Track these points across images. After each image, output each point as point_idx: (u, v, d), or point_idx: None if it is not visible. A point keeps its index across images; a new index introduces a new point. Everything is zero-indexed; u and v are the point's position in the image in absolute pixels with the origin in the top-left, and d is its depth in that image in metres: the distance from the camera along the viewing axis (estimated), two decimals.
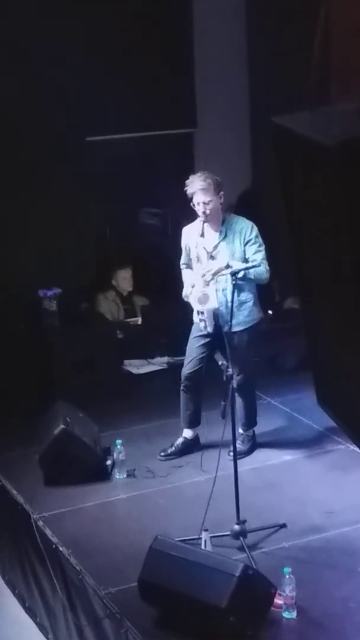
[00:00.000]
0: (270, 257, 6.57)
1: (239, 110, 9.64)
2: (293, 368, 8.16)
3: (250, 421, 6.84)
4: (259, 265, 6.37)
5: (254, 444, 6.90)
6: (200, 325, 6.54)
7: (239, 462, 5.90)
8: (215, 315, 6.49)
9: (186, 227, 6.62)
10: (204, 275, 6.41)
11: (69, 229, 8.94)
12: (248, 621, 4.88)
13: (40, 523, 6.09)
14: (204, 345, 6.66)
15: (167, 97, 9.21)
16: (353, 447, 6.49)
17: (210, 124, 9.54)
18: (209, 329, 6.54)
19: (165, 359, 8.47)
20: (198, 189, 6.36)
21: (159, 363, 8.51)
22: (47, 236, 8.77)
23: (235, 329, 6.39)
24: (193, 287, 6.45)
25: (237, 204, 9.65)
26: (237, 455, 5.94)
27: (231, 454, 6.01)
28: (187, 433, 6.92)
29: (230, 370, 5.79)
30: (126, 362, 8.61)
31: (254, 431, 6.93)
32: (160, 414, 7.40)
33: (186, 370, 6.77)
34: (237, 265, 6.32)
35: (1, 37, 8.42)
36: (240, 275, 6.22)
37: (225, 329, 6.30)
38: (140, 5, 8.99)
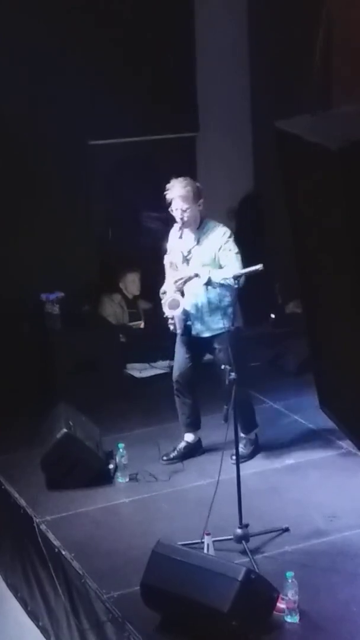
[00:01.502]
0: (273, 260, 6.57)
1: (240, 114, 9.65)
2: (295, 371, 8.16)
3: (248, 424, 6.82)
4: (229, 275, 6.29)
5: (257, 448, 6.89)
6: (170, 327, 6.61)
7: (241, 465, 5.89)
8: (187, 319, 6.56)
9: (173, 229, 6.64)
10: (176, 281, 6.45)
11: (71, 232, 8.96)
12: (250, 625, 4.87)
13: (43, 527, 6.09)
14: (189, 347, 6.70)
15: (169, 101, 9.21)
16: (355, 451, 6.48)
17: (213, 127, 9.55)
18: (179, 331, 6.62)
19: (168, 362, 8.43)
20: (177, 196, 6.39)
21: (161, 367, 8.50)
22: (50, 239, 8.78)
23: (205, 334, 6.56)
24: (164, 293, 6.49)
25: (239, 207, 9.66)
26: (239, 459, 5.93)
27: (234, 457, 6.01)
28: (189, 437, 6.92)
29: (233, 373, 5.79)
30: (128, 365, 8.61)
31: (256, 435, 6.92)
32: (163, 418, 7.39)
33: (174, 373, 6.82)
34: (206, 274, 6.35)
35: (2, 42, 8.43)
36: (205, 281, 6.32)
37: (194, 333, 6.53)
38: (142, 10, 8.99)
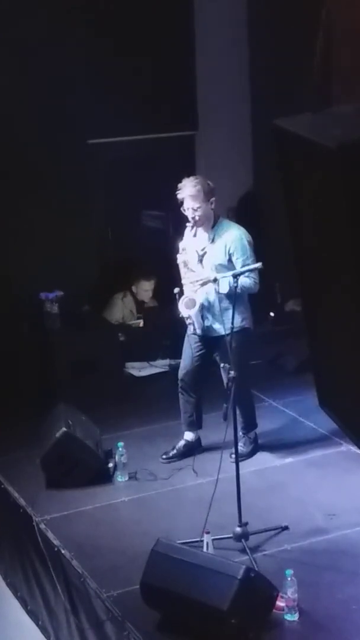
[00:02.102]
0: (272, 259, 6.57)
1: (240, 112, 9.65)
2: (294, 370, 8.17)
3: (248, 424, 6.83)
4: (247, 278, 6.35)
5: (256, 446, 6.90)
6: (189, 328, 6.61)
7: (240, 464, 5.89)
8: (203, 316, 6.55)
9: (187, 227, 6.63)
10: (192, 282, 6.46)
11: (71, 232, 8.95)
12: (250, 623, 4.88)
13: (42, 526, 6.09)
14: (198, 345, 6.69)
15: (168, 100, 9.21)
16: (355, 449, 6.49)
17: (212, 126, 9.55)
18: (198, 331, 6.60)
19: (167, 361, 8.48)
20: (187, 195, 6.38)
21: (160, 365, 8.51)
22: (49, 238, 8.78)
23: (215, 334, 6.56)
24: (177, 292, 6.48)
25: (238, 206, 9.66)
26: (239, 458, 5.94)
27: (233, 456, 6.01)
28: (189, 435, 6.92)
29: (232, 372, 5.79)
30: (128, 364, 8.61)
31: (255, 433, 6.93)
32: (162, 417, 7.40)
33: (180, 371, 6.81)
34: (225, 283, 6.32)
35: (2, 41, 8.44)
36: (224, 289, 6.32)
37: (205, 331, 6.54)
38: (142, 9, 9.00)
